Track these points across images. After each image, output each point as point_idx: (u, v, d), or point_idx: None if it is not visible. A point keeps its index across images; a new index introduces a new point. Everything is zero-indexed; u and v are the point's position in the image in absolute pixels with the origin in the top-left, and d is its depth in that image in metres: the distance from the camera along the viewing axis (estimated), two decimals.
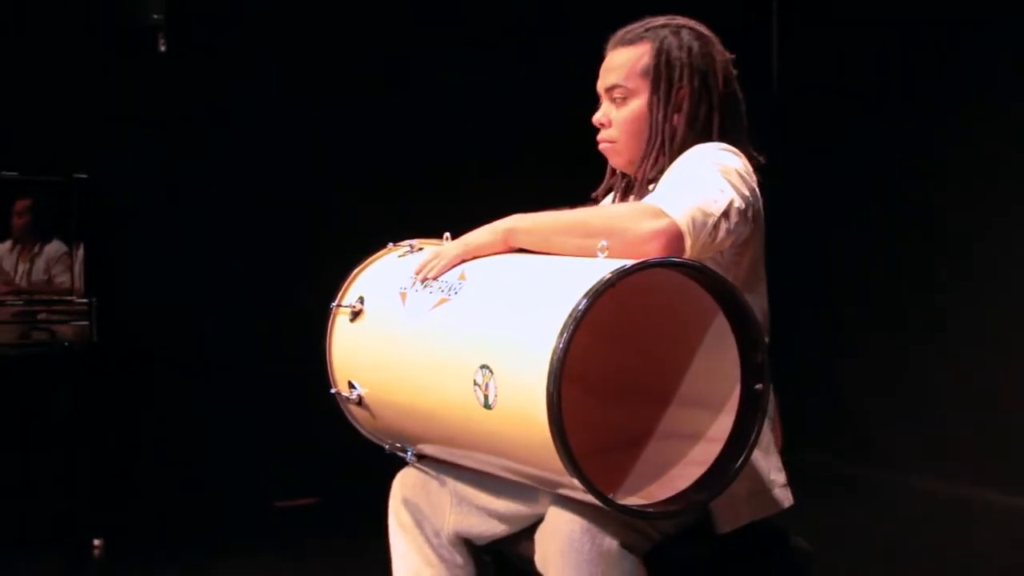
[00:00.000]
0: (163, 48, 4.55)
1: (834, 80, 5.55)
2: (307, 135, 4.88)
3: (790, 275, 5.33)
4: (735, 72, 2.15)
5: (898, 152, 5.24)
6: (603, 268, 1.69)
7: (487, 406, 1.74)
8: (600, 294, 1.65)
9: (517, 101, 5.11)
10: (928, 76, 5.11)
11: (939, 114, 5.05)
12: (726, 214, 1.91)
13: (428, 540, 2.20)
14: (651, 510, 1.79)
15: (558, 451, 1.63)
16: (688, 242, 1.85)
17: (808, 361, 5.41)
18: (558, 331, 1.63)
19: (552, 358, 1.62)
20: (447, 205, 3.31)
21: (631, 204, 1.98)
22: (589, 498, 1.71)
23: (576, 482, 1.66)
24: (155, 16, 4.50)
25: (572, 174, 2.35)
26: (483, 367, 1.75)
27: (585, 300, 1.64)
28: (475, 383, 1.76)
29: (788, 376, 2.61)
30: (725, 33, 2.19)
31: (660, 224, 1.83)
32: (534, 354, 1.65)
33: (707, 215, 1.88)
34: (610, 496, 1.72)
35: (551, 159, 4.65)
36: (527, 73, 5.10)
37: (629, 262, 1.70)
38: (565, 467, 1.65)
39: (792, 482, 2.12)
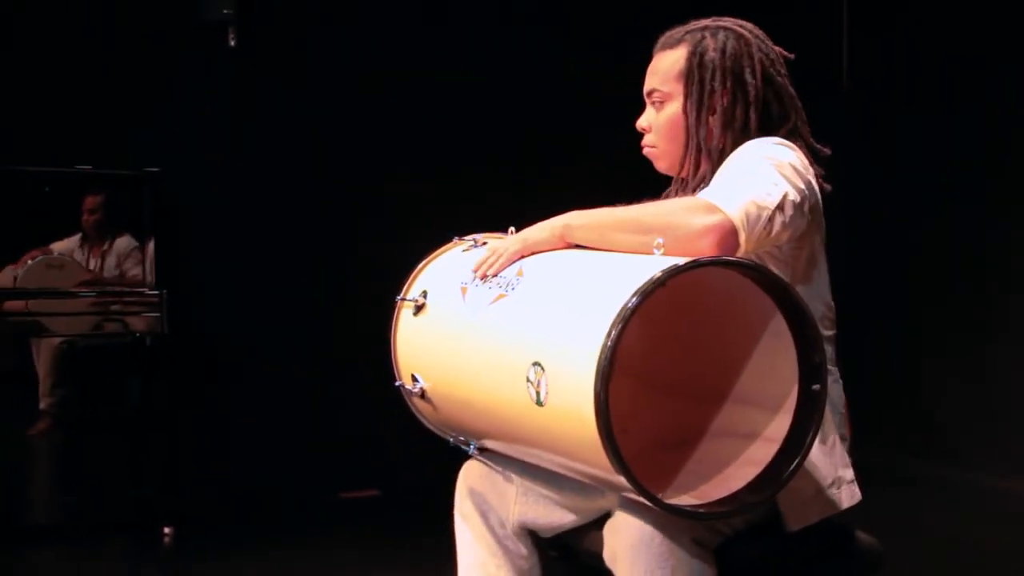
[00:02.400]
0: (233, 42, 4.60)
1: (907, 75, 5.48)
2: (375, 130, 4.90)
3: (864, 273, 5.31)
4: (782, 69, 2.13)
5: (974, 149, 5.16)
6: (655, 266, 1.69)
7: (539, 403, 1.75)
8: (650, 293, 1.65)
9: (580, 95, 5.09)
10: (1003, 70, 5.03)
11: (1016, 110, 4.96)
12: (781, 207, 1.89)
13: (493, 530, 2.20)
14: (703, 510, 1.78)
15: (606, 450, 1.63)
16: (742, 236, 1.84)
17: (882, 360, 5.35)
18: (606, 329, 1.63)
19: (600, 356, 1.62)
20: (510, 199, 3.33)
21: (685, 199, 1.97)
22: (639, 497, 1.70)
23: (625, 481, 1.66)
24: (225, 11, 4.55)
25: (635, 169, 2.34)
26: (535, 364, 1.76)
27: (635, 298, 1.64)
28: (528, 380, 1.77)
29: (862, 374, 2.61)
30: (795, 30, 2.17)
31: (713, 219, 1.83)
32: (583, 352, 1.65)
33: (761, 208, 1.87)
34: (659, 496, 1.71)
35: (615, 152, 4.62)
36: (593, 67, 5.08)
37: (681, 260, 1.69)
38: (613, 466, 1.64)
39: (864, 480, 2.10)
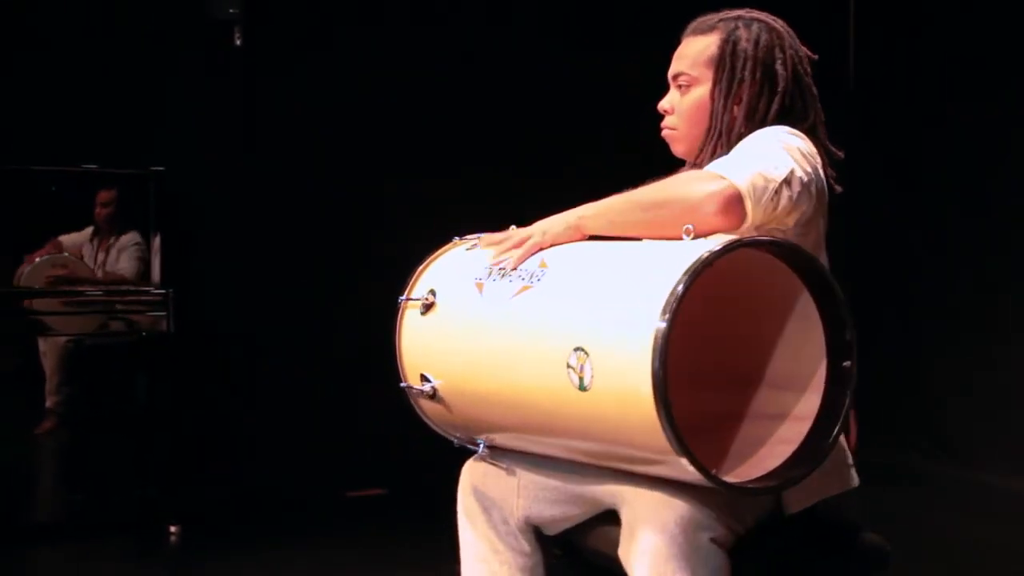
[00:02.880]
0: (239, 42, 4.61)
1: (909, 77, 5.49)
2: (379, 129, 4.90)
3: (865, 272, 5.31)
4: (808, 69, 2.16)
5: (975, 149, 5.17)
6: (698, 248, 1.71)
7: (582, 388, 1.75)
8: (699, 273, 1.66)
9: (579, 95, 5.10)
10: (1004, 71, 5.04)
11: (1016, 110, 4.96)
12: (788, 181, 1.90)
13: (495, 527, 2.19)
14: (751, 486, 1.79)
15: (664, 428, 1.64)
16: (748, 205, 1.86)
17: (885, 359, 5.34)
18: (660, 309, 1.64)
19: (656, 335, 1.63)
20: (510, 199, 3.34)
21: (692, 172, 2.01)
22: (692, 476, 1.70)
23: (684, 461, 1.66)
24: (231, 10, 4.56)
25: (637, 168, 2.34)
26: (577, 349, 1.75)
27: (685, 278, 1.66)
28: (568, 366, 1.76)
29: (865, 373, 2.61)
30: (801, 29, 2.18)
31: (718, 186, 1.85)
32: (637, 333, 1.66)
33: (768, 180, 1.88)
34: (713, 472, 1.72)
35: (615, 152, 4.63)
36: (593, 67, 5.08)
37: (716, 244, 1.70)
38: (671, 444, 1.65)
39: (868, 479, 2.12)
